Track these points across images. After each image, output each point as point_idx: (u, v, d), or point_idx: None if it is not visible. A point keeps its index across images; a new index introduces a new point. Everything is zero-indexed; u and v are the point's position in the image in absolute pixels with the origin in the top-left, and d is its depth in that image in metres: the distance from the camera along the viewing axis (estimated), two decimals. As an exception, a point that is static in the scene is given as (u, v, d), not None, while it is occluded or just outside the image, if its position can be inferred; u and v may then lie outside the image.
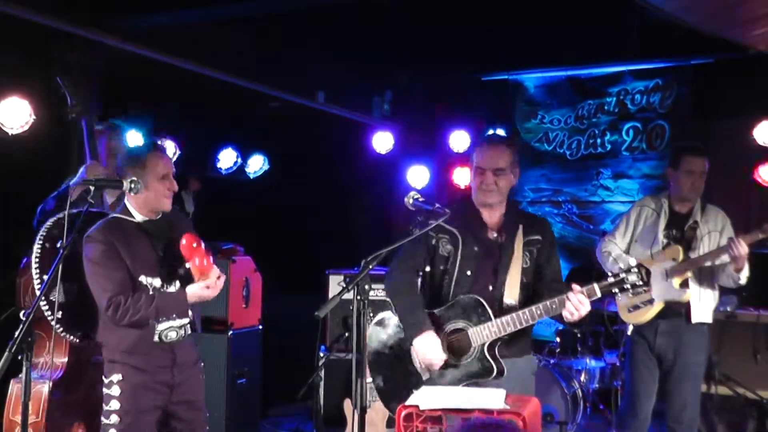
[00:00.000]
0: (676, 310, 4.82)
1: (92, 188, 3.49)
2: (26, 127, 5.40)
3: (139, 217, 3.81)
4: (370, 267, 3.13)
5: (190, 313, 3.81)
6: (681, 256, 4.79)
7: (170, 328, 3.75)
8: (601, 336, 6.57)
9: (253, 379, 5.96)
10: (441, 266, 3.79)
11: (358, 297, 3.08)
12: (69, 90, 4.60)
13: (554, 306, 3.54)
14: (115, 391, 3.73)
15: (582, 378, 6.47)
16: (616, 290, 3.49)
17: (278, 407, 7.21)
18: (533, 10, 6.80)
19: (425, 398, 2.85)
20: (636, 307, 4.92)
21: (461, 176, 8.59)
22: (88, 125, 4.60)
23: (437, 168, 8.60)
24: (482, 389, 3.19)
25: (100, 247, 3.67)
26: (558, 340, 6.72)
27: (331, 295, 6.41)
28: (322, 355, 6.38)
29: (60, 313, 3.95)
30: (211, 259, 3.64)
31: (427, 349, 3.63)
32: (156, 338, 3.74)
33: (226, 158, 7.56)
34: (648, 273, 3.44)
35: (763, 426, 5.72)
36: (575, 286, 3.51)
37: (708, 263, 4.76)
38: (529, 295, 3.76)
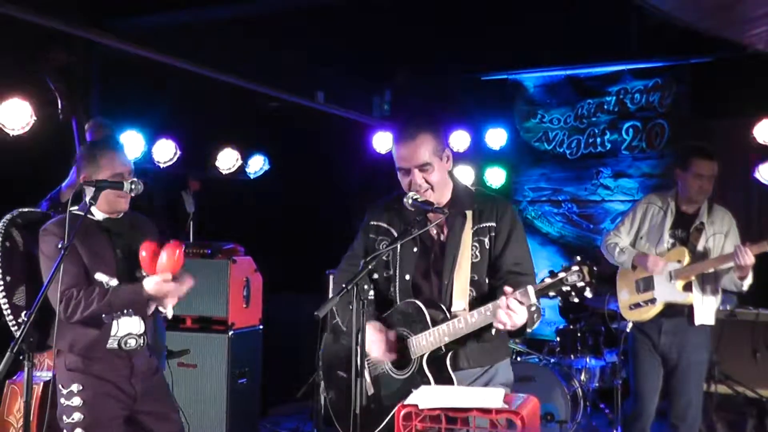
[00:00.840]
0: (679, 310, 4.85)
1: (93, 189, 3.50)
2: (27, 128, 5.42)
3: (99, 215, 3.69)
4: (369, 267, 3.11)
5: (138, 327, 3.69)
6: (686, 259, 4.82)
7: (130, 335, 3.65)
8: (601, 335, 6.57)
9: (253, 379, 5.96)
10: (384, 272, 3.43)
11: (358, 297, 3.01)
12: (59, 91, 4.59)
13: (488, 313, 3.09)
14: (76, 401, 3.59)
15: (582, 377, 6.47)
16: (553, 293, 2.98)
17: (278, 407, 7.22)
18: (532, 9, 6.81)
19: (424, 397, 2.85)
20: (637, 305, 4.97)
21: (461, 176, 8.61)
22: (78, 125, 4.59)
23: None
24: (481, 388, 3.18)
25: (55, 240, 3.51)
26: (558, 339, 6.72)
27: (331, 295, 6.41)
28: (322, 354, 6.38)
29: (22, 316, 3.82)
30: (179, 253, 3.49)
31: (368, 340, 3.21)
32: (115, 344, 3.63)
33: (226, 158, 7.55)
34: (591, 271, 2.93)
35: (763, 424, 5.73)
36: (506, 289, 3.04)
37: (712, 269, 4.78)
38: (485, 292, 3.31)
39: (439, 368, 3.23)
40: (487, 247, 3.33)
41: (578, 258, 2.99)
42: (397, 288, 3.39)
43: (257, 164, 7.86)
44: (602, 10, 6.65)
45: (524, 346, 6.90)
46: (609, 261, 5.14)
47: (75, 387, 3.60)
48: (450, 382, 3.21)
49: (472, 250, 3.30)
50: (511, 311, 3.01)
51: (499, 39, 7.44)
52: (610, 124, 8.09)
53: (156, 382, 3.82)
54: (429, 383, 3.19)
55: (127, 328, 3.67)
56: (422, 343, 3.24)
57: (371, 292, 3.46)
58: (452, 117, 8.60)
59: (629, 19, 6.95)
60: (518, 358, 6.64)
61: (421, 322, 3.26)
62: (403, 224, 3.38)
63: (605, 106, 8.09)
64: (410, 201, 3.27)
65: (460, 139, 8.57)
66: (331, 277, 6.57)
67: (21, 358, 2.97)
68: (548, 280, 3.00)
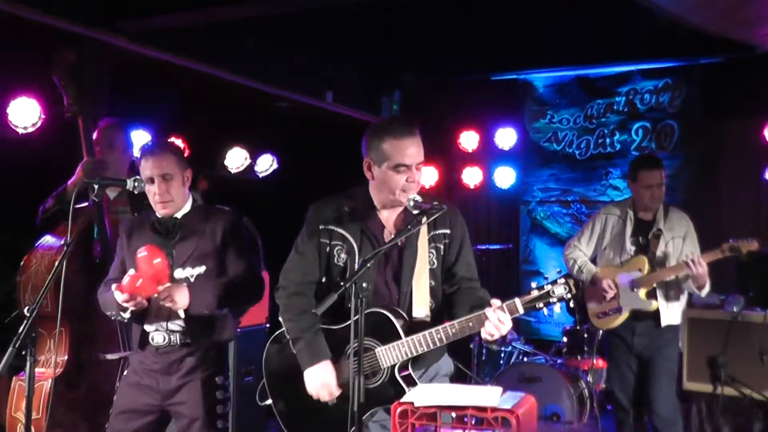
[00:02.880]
0: (648, 314, 5.07)
1: (96, 186, 3.52)
2: (37, 125, 5.49)
3: (161, 212, 3.71)
4: (368, 266, 3.09)
5: (166, 324, 3.65)
6: (646, 268, 5.05)
7: (157, 331, 3.66)
8: (595, 335, 6.57)
9: (259, 378, 5.93)
10: (338, 278, 3.32)
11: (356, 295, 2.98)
12: (65, 89, 4.62)
13: (471, 324, 3.14)
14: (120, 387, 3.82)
15: (589, 378, 6.47)
16: (541, 305, 3.12)
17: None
18: (542, 9, 6.80)
19: (420, 395, 2.86)
20: (605, 314, 5.21)
21: (470, 175, 8.62)
22: (84, 124, 4.61)
23: (446, 168, 8.62)
24: (478, 386, 3.20)
25: (117, 237, 3.82)
26: (565, 339, 6.72)
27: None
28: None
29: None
30: (139, 282, 3.42)
31: (319, 382, 3.26)
32: (149, 339, 3.67)
33: (235, 158, 7.60)
34: (576, 284, 3.16)
35: (770, 427, 5.70)
36: (495, 302, 3.11)
37: (671, 277, 4.99)
38: (440, 299, 3.37)
39: (407, 375, 3.25)
40: (442, 254, 3.36)
41: (563, 273, 3.11)
42: (353, 295, 3.26)
43: (266, 164, 7.91)
44: (612, 10, 6.63)
45: (531, 346, 6.90)
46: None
47: (125, 373, 3.81)
48: (414, 384, 3.22)
49: (429, 256, 3.32)
50: (501, 323, 3.08)
51: (508, 39, 7.43)
52: (620, 124, 8.05)
53: (188, 384, 3.68)
54: (402, 391, 3.17)
55: (155, 324, 3.67)
56: (394, 353, 3.22)
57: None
58: (462, 117, 8.61)
59: (639, 19, 6.92)
60: (525, 359, 6.64)
61: (391, 332, 3.22)
62: (360, 227, 3.33)
63: (615, 107, 8.06)
64: (412, 203, 3.23)
65: (469, 139, 8.60)
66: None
67: (23, 353, 3.00)
68: (535, 293, 3.12)
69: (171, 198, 3.65)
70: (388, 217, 3.35)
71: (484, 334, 3.12)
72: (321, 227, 3.38)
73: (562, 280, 3.10)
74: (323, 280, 3.39)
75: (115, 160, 4.70)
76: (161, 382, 3.67)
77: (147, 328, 3.67)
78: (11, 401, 4.27)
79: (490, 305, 3.11)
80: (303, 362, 3.31)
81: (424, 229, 3.29)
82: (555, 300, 3.11)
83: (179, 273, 3.65)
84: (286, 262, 3.47)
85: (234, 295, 3.68)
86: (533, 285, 3.21)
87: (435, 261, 3.33)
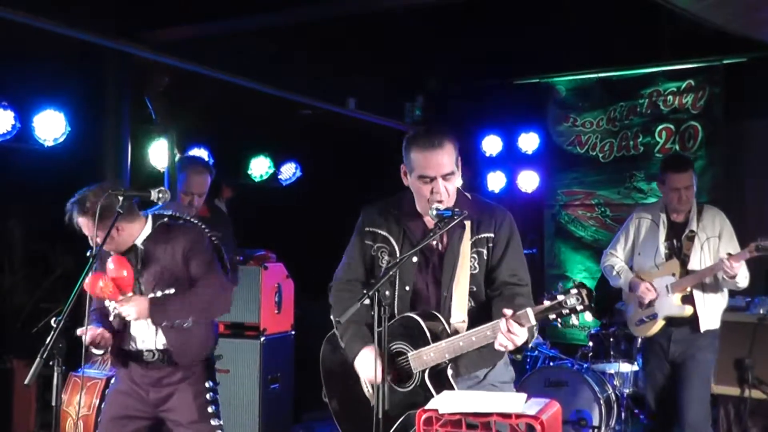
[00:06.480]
0: (686, 319, 4.91)
1: (120, 198, 3.54)
2: (61, 139, 5.57)
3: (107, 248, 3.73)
4: (391, 273, 3.11)
5: (154, 342, 3.76)
6: (679, 271, 4.90)
7: (148, 351, 3.77)
8: (634, 340, 6.52)
9: (285, 384, 6.02)
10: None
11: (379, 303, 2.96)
12: (157, 111, 4.78)
13: (488, 332, 3.08)
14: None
15: (615, 382, 6.43)
16: (554, 316, 2.99)
17: (311, 412, 7.24)
18: (563, 12, 6.79)
19: (445, 402, 2.87)
20: (642, 321, 5.08)
21: (494, 180, 8.61)
22: (169, 141, 4.77)
23: (469, 173, 8.61)
24: (502, 393, 3.19)
25: None
26: (591, 344, 6.68)
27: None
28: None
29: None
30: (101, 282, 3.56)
31: (366, 367, 3.28)
32: (141, 355, 3.78)
33: (259, 166, 7.66)
34: (590, 294, 2.95)
35: (799, 430, 5.65)
36: (506, 311, 3.02)
37: (708, 279, 4.85)
38: (482, 304, 3.30)
39: (441, 380, 3.21)
40: (485, 258, 3.31)
41: (577, 281, 3.03)
42: (396, 298, 3.32)
43: (289, 171, 7.97)
44: (633, 12, 6.61)
45: (557, 350, 6.87)
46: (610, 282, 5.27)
47: (114, 380, 3.97)
48: (448, 389, 3.19)
49: (471, 261, 3.28)
50: (512, 334, 3.01)
51: (530, 43, 7.42)
52: (643, 126, 7.97)
53: (177, 392, 3.80)
54: (431, 396, 3.14)
55: (143, 342, 3.78)
56: (423, 359, 3.20)
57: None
58: (484, 121, 8.61)
59: (661, 20, 6.89)
60: (551, 363, 6.61)
61: (421, 337, 3.21)
62: (402, 231, 3.36)
63: (638, 109, 8.00)
64: (434, 212, 3.21)
65: (492, 144, 8.60)
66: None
67: (51, 363, 3.03)
68: (547, 303, 3.00)
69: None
70: (431, 221, 3.31)
71: (497, 346, 3.06)
72: (367, 229, 3.45)
73: (575, 290, 2.96)
74: (372, 281, 3.31)
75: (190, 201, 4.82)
76: (151, 393, 3.80)
77: (136, 347, 3.77)
78: (64, 395, 4.48)
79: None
80: (353, 351, 3.34)
81: (467, 234, 3.28)
82: (567, 311, 2.97)
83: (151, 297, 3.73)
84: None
85: (197, 306, 3.74)
86: (546, 294, 3.04)
87: (477, 266, 3.29)
